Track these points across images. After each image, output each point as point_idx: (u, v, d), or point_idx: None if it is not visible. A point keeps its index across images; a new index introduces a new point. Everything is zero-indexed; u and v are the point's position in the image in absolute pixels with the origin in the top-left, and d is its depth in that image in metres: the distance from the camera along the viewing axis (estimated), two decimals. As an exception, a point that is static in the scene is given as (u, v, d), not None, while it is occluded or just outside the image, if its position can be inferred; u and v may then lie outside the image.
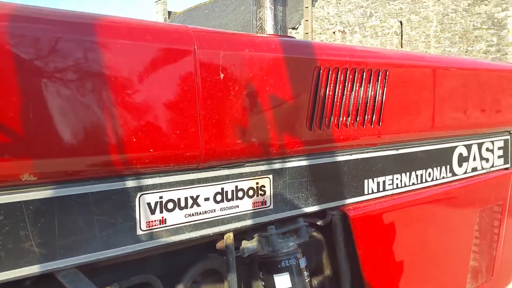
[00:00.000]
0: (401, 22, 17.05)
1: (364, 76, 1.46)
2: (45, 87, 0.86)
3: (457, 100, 1.87)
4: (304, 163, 1.33)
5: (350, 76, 1.42)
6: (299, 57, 1.32)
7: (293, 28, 20.31)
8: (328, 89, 1.36)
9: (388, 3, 17.33)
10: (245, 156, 1.19)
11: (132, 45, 0.98)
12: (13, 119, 0.82)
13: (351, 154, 1.45)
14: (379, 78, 1.50)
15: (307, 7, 21.07)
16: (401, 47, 17.12)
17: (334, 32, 19.96)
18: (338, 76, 1.38)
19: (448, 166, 1.84)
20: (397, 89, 1.57)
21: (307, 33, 21.48)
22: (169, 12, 43.63)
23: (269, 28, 1.42)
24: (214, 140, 1.10)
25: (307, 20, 21.39)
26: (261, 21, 1.42)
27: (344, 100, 1.41)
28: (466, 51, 15.20)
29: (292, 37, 1.50)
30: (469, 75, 1.93)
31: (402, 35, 17.10)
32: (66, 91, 0.88)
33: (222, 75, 1.11)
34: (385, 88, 1.52)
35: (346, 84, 1.41)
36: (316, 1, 20.61)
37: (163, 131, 1.02)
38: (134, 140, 0.97)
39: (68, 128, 0.89)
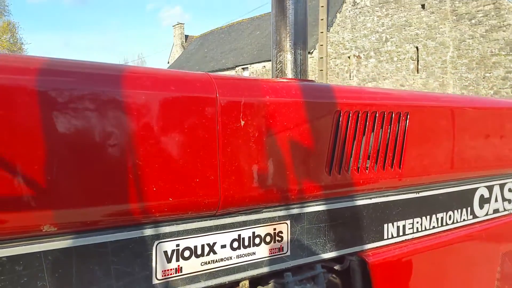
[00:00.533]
0: (417, 48, 17.06)
1: (384, 119, 1.45)
2: (65, 139, 0.87)
3: (477, 140, 1.84)
4: (322, 208, 1.31)
5: (370, 120, 1.41)
6: (319, 102, 1.32)
7: (309, 53, 20.49)
8: (348, 133, 1.35)
9: (404, 28, 17.40)
10: (263, 202, 1.18)
11: (156, 96, 1.00)
12: (34, 171, 0.83)
13: (370, 198, 1.43)
14: (400, 120, 1.49)
15: (322, 32, 21.32)
16: (417, 73, 17.07)
17: (349, 57, 20.06)
18: (358, 119, 1.38)
19: (469, 208, 1.79)
20: (417, 131, 1.55)
21: (322, 58, 21.66)
22: (186, 36, 44.65)
23: (289, 72, 1.43)
24: (233, 187, 1.10)
25: (322, 45, 21.60)
26: (281, 64, 1.43)
27: (364, 143, 1.39)
28: (483, 78, 15.07)
29: (312, 80, 1.51)
30: (488, 115, 1.91)
31: (418, 61, 17.07)
32: (87, 142, 0.90)
33: (242, 122, 1.12)
34: (405, 131, 1.50)
35: (367, 127, 1.40)
36: (331, 26, 20.82)
37: (183, 179, 1.02)
38: (154, 189, 0.97)
39: (89, 178, 0.90)
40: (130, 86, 0.97)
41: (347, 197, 1.37)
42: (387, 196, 1.48)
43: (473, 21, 15.15)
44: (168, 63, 46.54)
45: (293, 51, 1.43)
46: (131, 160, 0.94)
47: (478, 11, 14.98)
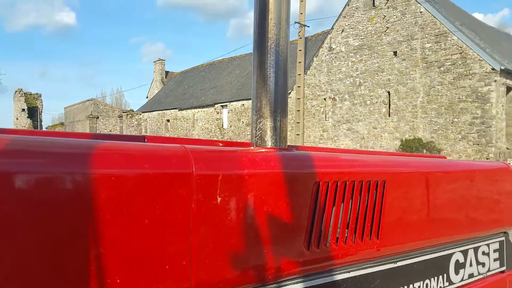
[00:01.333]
0: (389, 92, 17.71)
1: (362, 188, 1.44)
2: (18, 225, 0.81)
3: (452, 204, 1.85)
4: (300, 286, 1.26)
5: (349, 189, 1.40)
6: (298, 173, 1.30)
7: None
8: (326, 204, 1.33)
9: (377, 74, 18.11)
10: (238, 284, 1.13)
11: (127, 176, 0.95)
12: None
13: (349, 272, 1.39)
14: (377, 189, 1.49)
15: (299, 74, 21.94)
16: (389, 116, 17.63)
17: (325, 99, 20.59)
18: (337, 190, 1.37)
19: (445, 275, 1.78)
20: (394, 199, 1.55)
21: (299, 99, 22.16)
22: (167, 72, 45.04)
23: (269, 139, 1.42)
24: (206, 272, 1.04)
25: (299, 86, 22.16)
26: (261, 131, 1.42)
27: (342, 215, 1.38)
28: (452, 122, 15.69)
29: (292, 148, 1.50)
30: (461, 178, 1.94)
31: (390, 105, 17.68)
32: (43, 228, 0.83)
33: (219, 199, 1.08)
34: (382, 199, 1.50)
35: (345, 198, 1.39)
36: (309, 69, 21.47)
37: (150, 267, 0.95)
38: (118, 281, 0.90)
39: (41, 267, 0.83)
40: (98, 165, 0.92)
41: (326, 271, 1.33)
42: (366, 268, 1.45)
43: (441, 68, 15.96)
44: (147, 97, 46.51)
45: (273, 118, 1.42)
46: (93, 248, 0.87)
47: (446, 59, 15.83)
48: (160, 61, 45.02)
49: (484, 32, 21.01)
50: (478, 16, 68.87)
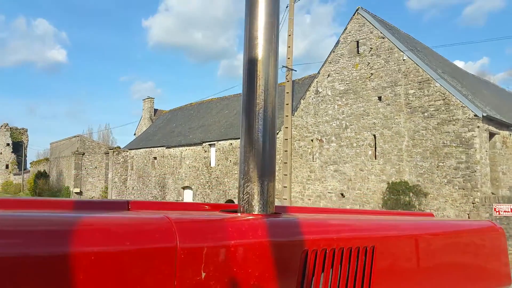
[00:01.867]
0: (374, 136, 17.99)
1: (351, 256, 1.41)
2: None
3: (441, 266, 1.82)
4: None
5: (338, 256, 1.37)
6: (286, 241, 1.27)
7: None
8: (315, 273, 1.29)
9: (362, 117, 18.47)
10: None
11: (108, 253, 0.90)
12: None
13: None
14: (366, 255, 1.46)
15: (287, 116, 22.27)
16: (375, 159, 17.81)
17: (312, 140, 20.80)
18: (326, 257, 1.33)
19: None
20: (384, 265, 1.52)
21: (287, 139, 22.37)
22: (155, 110, 45.29)
23: (256, 204, 1.39)
24: None
25: (287, 127, 22.43)
26: (248, 195, 1.40)
27: (331, 283, 1.33)
28: (437, 167, 15.90)
29: (280, 211, 1.47)
30: (450, 239, 1.93)
31: (375, 148, 17.91)
32: None
33: (203, 274, 1.04)
34: (372, 266, 1.46)
35: (334, 266, 1.35)
36: (296, 111, 21.82)
37: None
38: None
39: None
40: (76, 243, 0.87)
41: None
42: None
43: (425, 114, 16.37)
44: (135, 134, 46.39)
45: (260, 183, 1.41)
46: None
47: (430, 105, 16.28)
48: (149, 99, 45.36)
49: (465, 79, 21.84)
50: (459, 63, 72.03)
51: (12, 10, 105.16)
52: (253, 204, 1.40)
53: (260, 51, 1.38)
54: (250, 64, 1.39)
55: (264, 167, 1.42)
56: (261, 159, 1.41)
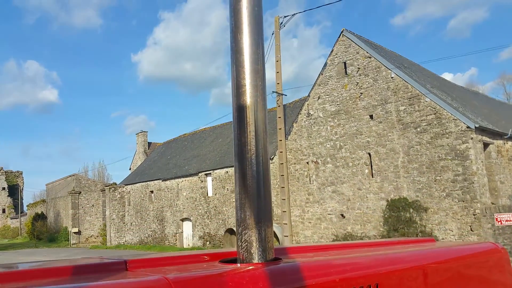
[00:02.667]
0: (369, 154, 18.04)
1: (355, 297, 1.38)
2: None
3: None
4: None
5: None
6: None
7: (270, 159, 21.13)
8: None
9: (356, 137, 18.56)
10: None
11: None
12: None
13: None
14: (370, 295, 1.43)
15: (281, 140, 22.34)
16: (372, 177, 17.80)
17: (307, 163, 20.79)
18: None
19: None
20: None
21: (282, 163, 22.35)
22: (149, 143, 45.28)
23: (255, 251, 1.37)
24: None
25: (281, 152, 22.46)
26: (246, 243, 1.37)
27: None
28: (435, 181, 15.90)
29: (279, 259, 1.45)
30: (453, 265, 1.90)
31: (371, 166, 17.93)
32: None
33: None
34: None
35: None
36: (289, 135, 21.90)
37: None
38: None
39: None
40: None
41: None
42: None
43: (418, 129, 16.50)
44: (130, 169, 46.16)
45: (258, 229, 1.39)
46: None
47: (421, 120, 16.43)
48: (142, 133, 45.42)
49: (455, 92, 22.16)
50: (448, 76, 73.25)
51: (2, 54, 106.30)
52: (252, 252, 1.38)
53: (248, 98, 1.39)
54: (239, 111, 1.40)
55: (260, 213, 1.40)
56: (256, 206, 1.40)
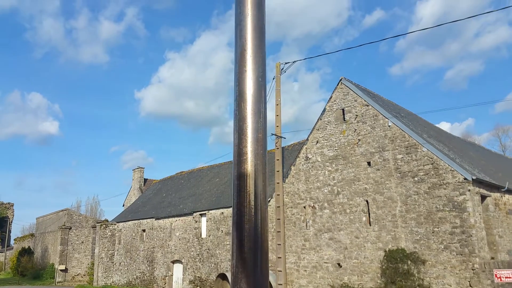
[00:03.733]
0: (367, 201, 17.86)
1: None
2: None
3: None
4: None
5: None
6: None
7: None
8: None
9: (353, 183, 18.47)
10: None
11: None
12: None
13: None
14: None
15: (278, 183, 22.18)
16: (370, 225, 17.52)
17: (304, 207, 20.55)
18: None
19: None
20: None
21: (279, 207, 22.07)
22: (145, 180, 44.98)
23: None
24: None
25: (278, 195, 22.24)
26: None
27: None
28: (433, 232, 15.64)
29: None
30: None
31: (369, 214, 17.70)
32: None
33: None
34: None
35: None
36: (287, 177, 21.81)
37: None
38: None
39: None
40: None
41: None
42: None
43: (415, 178, 16.45)
44: (124, 206, 45.51)
45: None
46: None
47: (419, 170, 16.41)
48: (139, 169, 45.24)
49: (451, 142, 22.34)
50: (446, 125, 74.12)
51: (7, 85, 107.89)
52: None
53: (249, 166, 1.36)
54: (240, 180, 1.36)
55: (257, 285, 1.33)
56: (253, 279, 1.32)
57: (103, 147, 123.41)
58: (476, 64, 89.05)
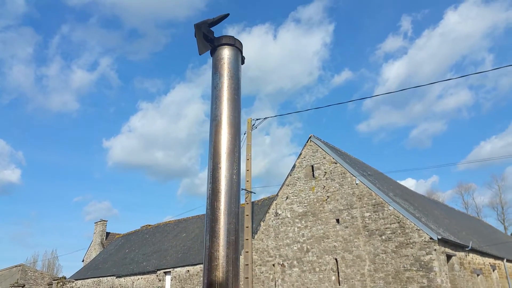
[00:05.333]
0: (336, 260, 17.72)
1: None
2: None
3: None
4: None
5: None
6: None
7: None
8: None
9: (323, 240, 18.38)
10: None
11: None
12: None
13: None
14: None
15: (247, 239, 21.76)
16: (339, 285, 17.25)
17: (273, 265, 20.10)
18: None
19: None
20: None
21: (247, 265, 21.47)
22: (108, 233, 42.96)
23: None
24: None
25: (247, 252, 21.72)
26: None
27: None
28: (401, 292, 15.54)
29: None
30: None
31: (338, 272, 17.49)
32: None
33: None
34: None
35: None
36: (256, 234, 21.47)
37: None
38: None
39: None
40: None
41: None
42: None
43: (383, 237, 16.58)
44: (83, 261, 42.92)
45: None
46: None
47: (386, 228, 16.60)
48: (101, 222, 43.32)
49: (417, 201, 22.92)
50: (412, 181, 76.18)
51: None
52: None
53: (220, 273, 1.35)
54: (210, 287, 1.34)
55: None
56: None
57: (65, 197, 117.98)
58: (439, 124, 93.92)
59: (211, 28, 1.75)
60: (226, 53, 1.69)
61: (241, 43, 1.75)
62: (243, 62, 1.78)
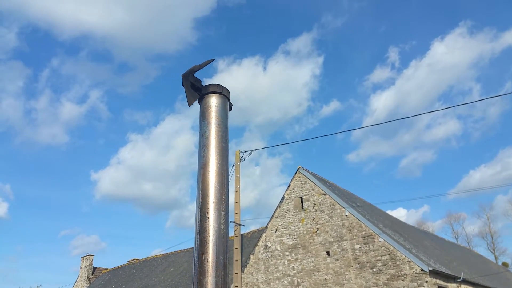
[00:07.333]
0: (328, 293, 17.38)
1: None
2: None
3: None
4: None
5: None
6: None
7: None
8: None
9: (313, 273, 18.09)
10: None
11: None
12: None
13: None
14: None
15: (236, 273, 21.29)
16: (332, 319, 16.85)
17: (264, 300, 19.61)
18: None
19: None
20: None
21: (237, 300, 20.92)
22: (94, 268, 41.63)
23: None
24: None
25: (236, 286, 21.21)
26: None
27: None
28: (394, 327, 15.23)
29: None
30: None
31: (331, 307, 17.12)
32: None
33: None
34: None
35: None
36: (245, 267, 21.05)
37: None
38: None
39: None
40: None
41: None
42: None
43: (374, 269, 16.39)
44: (66, 298, 41.29)
45: None
46: None
47: (377, 260, 16.45)
48: (88, 256, 41.99)
49: (407, 232, 22.85)
50: (403, 211, 75.92)
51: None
52: None
53: None
54: None
55: None
56: None
57: (52, 231, 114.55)
58: (428, 153, 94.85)
59: (196, 76, 1.79)
60: (213, 101, 1.73)
61: (228, 91, 1.80)
62: (230, 109, 1.82)
